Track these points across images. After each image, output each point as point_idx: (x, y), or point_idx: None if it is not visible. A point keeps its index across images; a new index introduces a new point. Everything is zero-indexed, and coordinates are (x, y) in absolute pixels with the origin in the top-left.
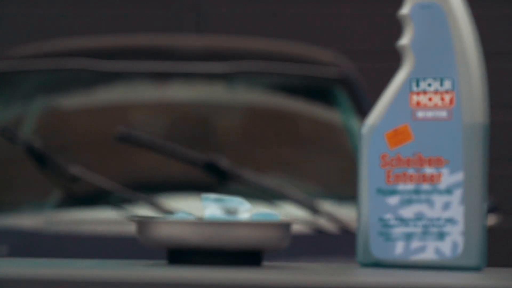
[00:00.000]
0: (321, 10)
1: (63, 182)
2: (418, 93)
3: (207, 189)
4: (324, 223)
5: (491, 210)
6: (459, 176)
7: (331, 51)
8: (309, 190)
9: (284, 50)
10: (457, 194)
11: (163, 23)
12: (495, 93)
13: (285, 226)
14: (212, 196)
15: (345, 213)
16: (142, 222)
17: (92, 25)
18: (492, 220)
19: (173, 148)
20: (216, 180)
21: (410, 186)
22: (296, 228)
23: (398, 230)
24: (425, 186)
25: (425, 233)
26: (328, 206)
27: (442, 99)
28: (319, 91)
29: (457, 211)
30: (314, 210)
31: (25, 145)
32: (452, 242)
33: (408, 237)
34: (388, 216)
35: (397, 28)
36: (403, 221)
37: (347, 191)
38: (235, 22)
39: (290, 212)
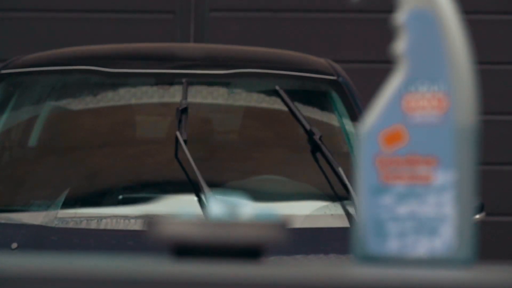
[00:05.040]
0: (315, 15)
1: (176, 143)
2: (411, 96)
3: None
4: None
5: (478, 209)
6: (450, 176)
7: (324, 57)
8: (307, 189)
9: (282, 56)
10: (449, 193)
11: (166, 30)
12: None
13: (283, 224)
14: (217, 196)
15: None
16: (152, 221)
17: (99, 31)
18: (479, 218)
19: (300, 116)
20: (310, 148)
21: (404, 185)
22: (296, 225)
23: (393, 228)
24: (418, 185)
25: (418, 231)
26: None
27: (435, 102)
28: (315, 94)
29: (448, 209)
30: (354, 203)
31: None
32: (444, 239)
33: (402, 234)
34: (383, 214)
35: (388, 35)
36: (397, 218)
37: (343, 191)
38: (234, 29)
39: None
